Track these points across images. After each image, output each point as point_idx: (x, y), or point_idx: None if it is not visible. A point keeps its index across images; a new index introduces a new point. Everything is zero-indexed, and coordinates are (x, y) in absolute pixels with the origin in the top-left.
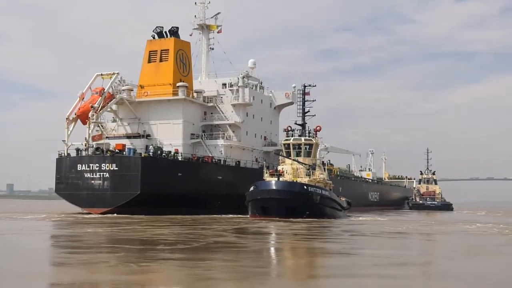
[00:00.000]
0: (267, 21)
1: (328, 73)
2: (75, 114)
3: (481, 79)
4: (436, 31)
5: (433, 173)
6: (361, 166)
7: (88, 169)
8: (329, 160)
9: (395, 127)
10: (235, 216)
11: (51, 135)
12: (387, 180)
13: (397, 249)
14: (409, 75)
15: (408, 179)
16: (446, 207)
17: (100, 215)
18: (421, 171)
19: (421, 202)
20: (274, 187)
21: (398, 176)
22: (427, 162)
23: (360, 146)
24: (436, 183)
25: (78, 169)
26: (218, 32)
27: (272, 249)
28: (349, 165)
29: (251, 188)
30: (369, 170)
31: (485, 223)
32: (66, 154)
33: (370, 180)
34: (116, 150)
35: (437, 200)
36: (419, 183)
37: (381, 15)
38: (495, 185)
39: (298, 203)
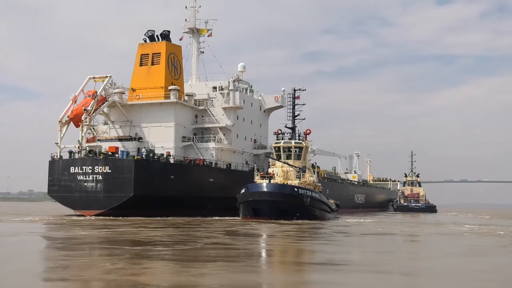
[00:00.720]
0: (253, 23)
1: (313, 75)
2: (68, 117)
3: (464, 82)
4: (419, 34)
5: (417, 176)
6: (346, 169)
7: (81, 171)
8: (316, 163)
9: (379, 129)
10: (226, 218)
11: (33, 136)
12: (371, 182)
13: (399, 250)
14: (393, 78)
15: (392, 181)
16: (430, 209)
17: (93, 217)
18: (405, 174)
19: (405, 204)
20: (265, 189)
21: (382, 179)
22: (411, 164)
23: (345, 148)
24: (420, 186)
25: (71, 171)
26: (208, 36)
27: (269, 250)
28: (334, 167)
29: (243, 191)
30: (355, 173)
31: (477, 225)
32: (59, 157)
33: (356, 183)
34: (109, 153)
35: (421, 202)
36: (404, 186)
37: (364, 18)
38: (468, 187)
39: (289, 205)
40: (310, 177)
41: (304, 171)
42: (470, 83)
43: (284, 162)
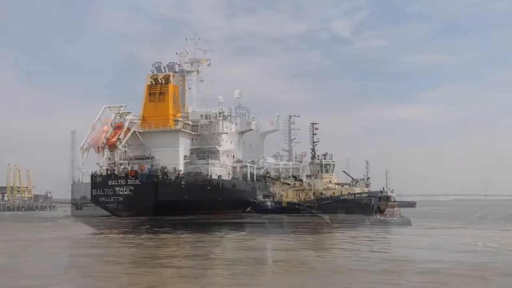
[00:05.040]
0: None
1: (268, 90)
2: (89, 143)
3: (416, 98)
4: (371, 51)
5: (392, 191)
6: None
7: (117, 183)
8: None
9: None
10: (235, 235)
11: None
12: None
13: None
14: (348, 93)
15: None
16: (406, 222)
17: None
18: (381, 189)
19: (382, 218)
20: (269, 208)
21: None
22: (386, 180)
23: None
24: (394, 200)
25: (109, 184)
26: (207, 66)
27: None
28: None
29: (248, 209)
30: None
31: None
32: (81, 180)
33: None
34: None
35: (396, 216)
36: (379, 200)
37: (316, 32)
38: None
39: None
40: (307, 195)
41: (303, 190)
42: (423, 100)
43: (284, 182)
